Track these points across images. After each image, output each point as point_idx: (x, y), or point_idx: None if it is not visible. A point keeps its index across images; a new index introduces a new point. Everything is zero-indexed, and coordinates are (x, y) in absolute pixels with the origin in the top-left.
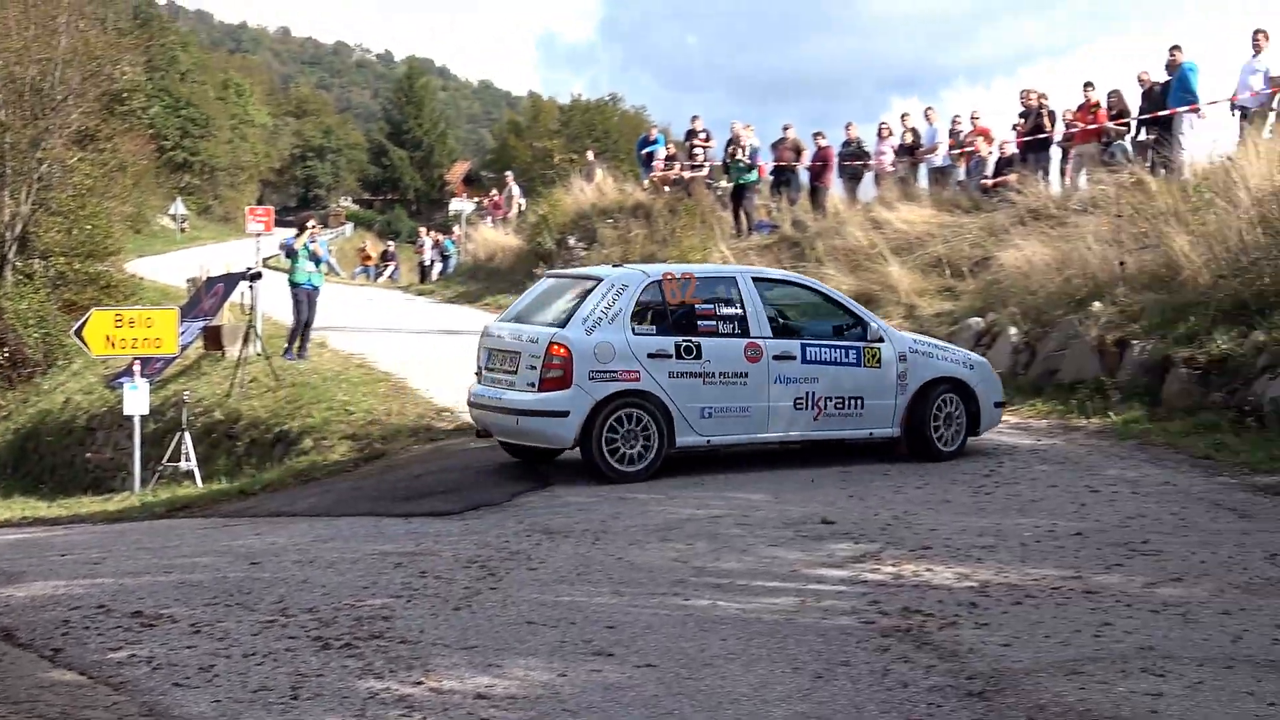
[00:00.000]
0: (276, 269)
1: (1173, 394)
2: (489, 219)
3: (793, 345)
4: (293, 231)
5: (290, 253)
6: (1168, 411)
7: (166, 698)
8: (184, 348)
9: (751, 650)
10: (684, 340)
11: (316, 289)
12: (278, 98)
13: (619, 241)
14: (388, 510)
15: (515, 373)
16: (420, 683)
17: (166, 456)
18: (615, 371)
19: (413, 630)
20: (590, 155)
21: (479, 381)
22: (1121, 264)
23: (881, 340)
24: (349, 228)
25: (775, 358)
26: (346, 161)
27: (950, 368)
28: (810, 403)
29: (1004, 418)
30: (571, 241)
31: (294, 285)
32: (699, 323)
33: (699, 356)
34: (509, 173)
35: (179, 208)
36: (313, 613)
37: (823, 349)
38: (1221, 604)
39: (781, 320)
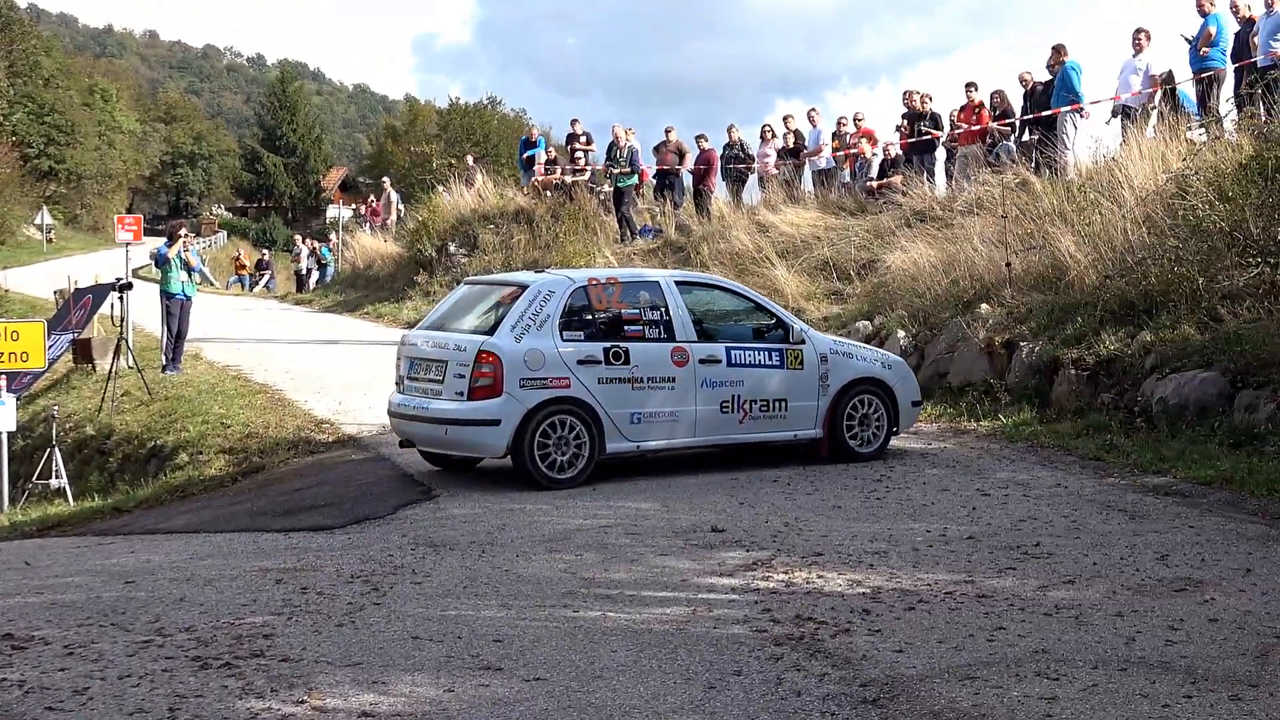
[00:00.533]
0: (148, 279)
1: (1062, 395)
2: (367, 226)
3: (718, 349)
4: (163, 240)
5: (162, 262)
6: (1057, 413)
7: None
8: (52, 362)
9: (643, 662)
10: (612, 346)
11: (189, 299)
12: (146, 103)
13: (501, 247)
14: (267, 525)
15: (442, 381)
16: (303, 701)
17: (36, 474)
18: (545, 379)
19: (295, 648)
20: (470, 159)
21: (400, 391)
22: (1008, 265)
23: (803, 342)
24: (222, 236)
25: (701, 361)
26: (219, 168)
27: (869, 368)
28: (736, 406)
29: None
30: (452, 248)
31: (167, 296)
32: (625, 328)
33: (627, 362)
34: (386, 178)
35: (45, 217)
36: (190, 632)
37: (747, 352)
38: (1114, 606)
39: (705, 324)
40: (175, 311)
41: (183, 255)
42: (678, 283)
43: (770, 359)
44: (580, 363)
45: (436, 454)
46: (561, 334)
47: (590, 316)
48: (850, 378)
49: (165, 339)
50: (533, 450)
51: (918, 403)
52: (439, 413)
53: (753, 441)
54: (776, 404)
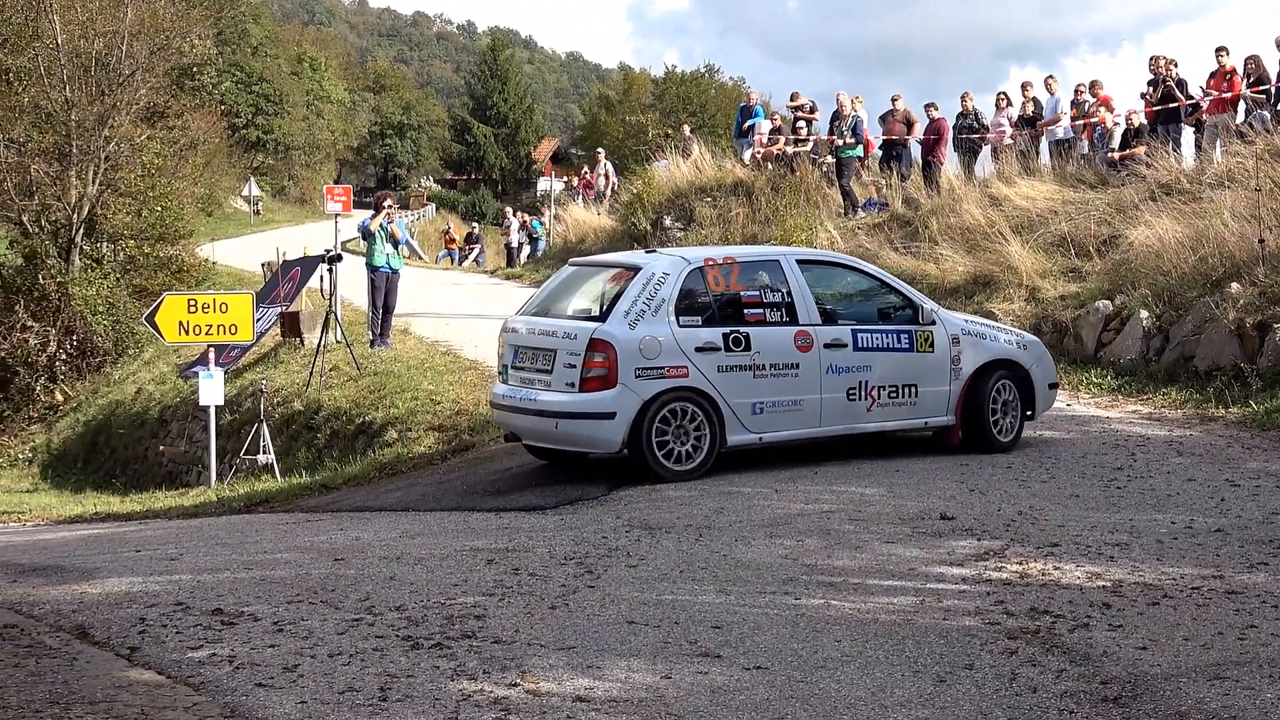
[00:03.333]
0: (356, 252)
1: None
2: (579, 199)
3: (843, 332)
4: (369, 213)
5: (366, 234)
6: None
7: (249, 698)
8: (260, 335)
9: (868, 652)
10: (732, 331)
11: (396, 272)
12: (354, 72)
13: (718, 221)
14: (478, 505)
15: (550, 371)
16: (516, 684)
17: (244, 449)
18: (662, 368)
19: (507, 630)
20: (686, 130)
21: (503, 381)
22: (1261, 241)
23: (934, 323)
24: (431, 209)
25: (826, 346)
26: (427, 139)
27: (1004, 349)
28: (864, 393)
29: (1136, 407)
30: (667, 222)
31: (372, 269)
32: (745, 311)
33: (748, 348)
34: (600, 150)
35: (253, 189)
36: (401, 611)
37: (874, 335)
38: None
39: (829, 305)
40: (380, 285)
41: (387, 227)
42: (799, 261)
43: (899, 341)
44: (698, 350)
45: (544, 448)
46: (678, 319)
47: (707, 300)
48: (984, 360)
49: (372, 313)
50: (651, 443)
51: (1054, 385)
52: (549, 405)
53: (880, 431)
54: (906, 389)
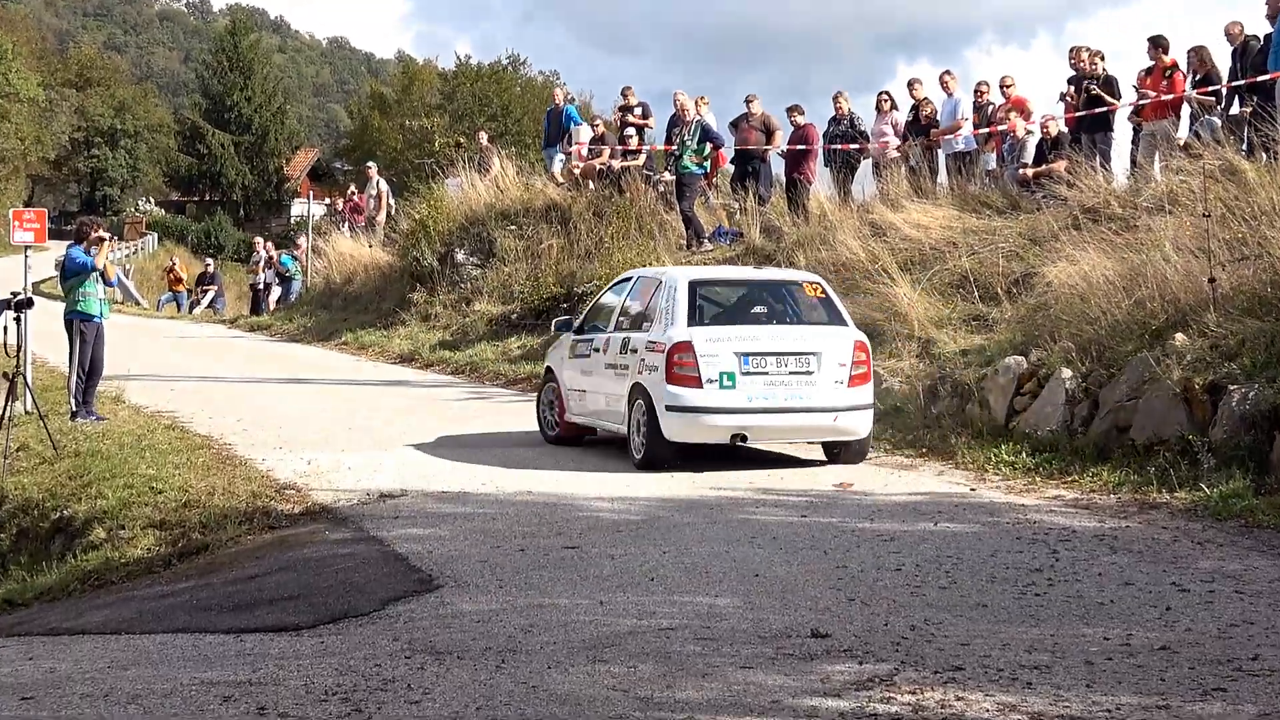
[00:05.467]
0: (51, 295)
1: None
2: (346, 227)
3: None
4: (70, 244)
5: (76, 271)
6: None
7: None
8: None
9: None
10: None
11: (103, 321)
12: (51, 63)
13: (525, 255)
14: (212, 624)
15: (810, 373)
16: None
17: None
18: None
19: None
20: (483, 138)
21: (719, 388)
22: (1211, 281)
23: None
24: (152, 240)
25: None
26: (147, 150)
27: None
28: None
29: (1059, 492)
30: (460, 256)
31: (81, 318)
32: None
33: None
34: (371, 164)
35: None
36: None
37: None
38: None
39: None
40: (90, 339)
41: (95, 264)
42: None
43: None
44: None
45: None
46: None
47: None
48: None
49: (76, 376)
50: None
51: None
52: (821, 403)
53: None
54: None
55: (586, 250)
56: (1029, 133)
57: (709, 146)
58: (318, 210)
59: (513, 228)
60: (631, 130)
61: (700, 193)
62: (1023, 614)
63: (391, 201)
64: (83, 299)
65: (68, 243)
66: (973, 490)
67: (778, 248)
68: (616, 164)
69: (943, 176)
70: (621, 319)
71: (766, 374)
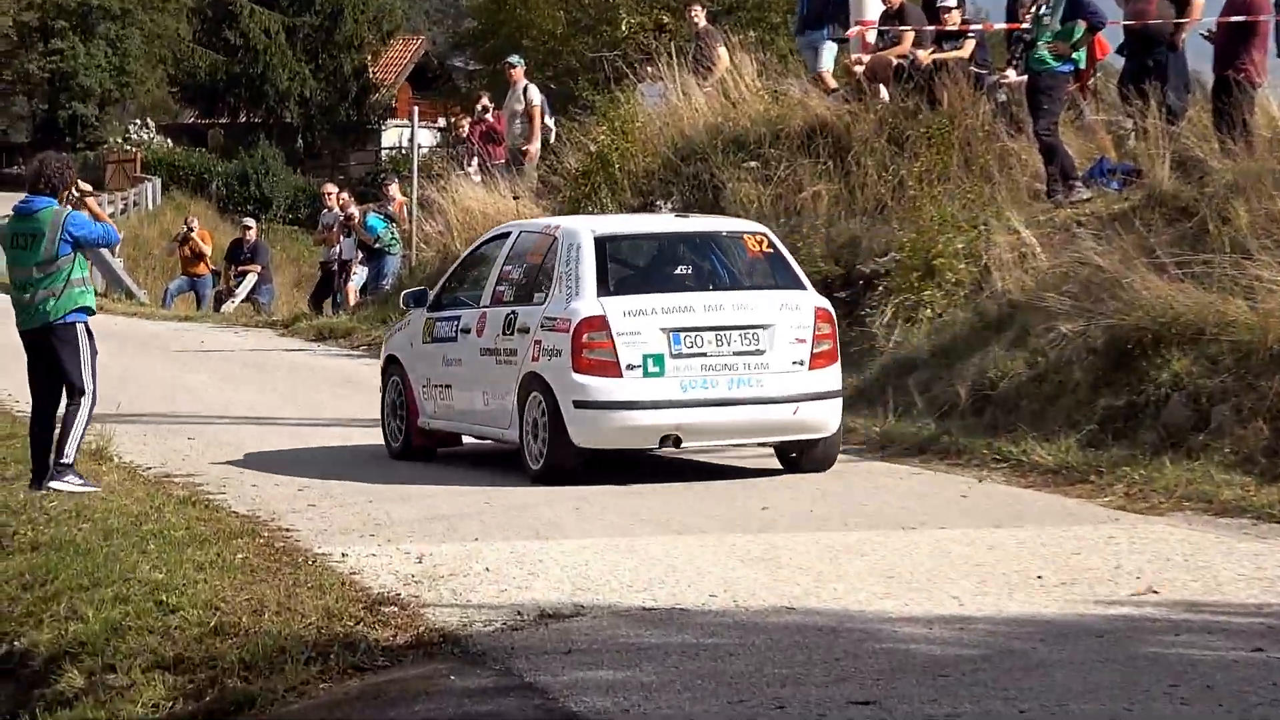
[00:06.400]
0: None
1: None
2: (474, 166)
3: None
4: (28, 196)
5: (24, 240)
6: None
7: None
8: None
9: None
10: None
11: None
12: None
13: (773, 209)
14: None
15: (761, 352)
16: None
17: None
18: None
19: None
20: (700, 16)
21: (644, 376)
22: None
23: None
24: (152, 190)
25: None
26: (144, 41)
27: None
28: None
29: None
30: (665, 208)
31: (84, 317)
32: None
33: None
34: (516, 61)
35: None
36: None
37: None
38: None
39: None
40: (81, 347)
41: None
42: None
43: None
44: None
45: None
46: None
47: None
48: None
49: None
50: None
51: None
52: (780, 390)
53: None
54: None
55: (877, 201)
56: None
57: (1080, 27)
58: (426, 139)
59: (752, 165)
60: (948, 5)
61: (1069, 104)
62: None
63: (549, 122)
64: (83, 289)
65: (18, 197)
66: None
67: (1200, 194)
68: (925, 56)
69: None
70: (501, 288)
71: (704, 355)
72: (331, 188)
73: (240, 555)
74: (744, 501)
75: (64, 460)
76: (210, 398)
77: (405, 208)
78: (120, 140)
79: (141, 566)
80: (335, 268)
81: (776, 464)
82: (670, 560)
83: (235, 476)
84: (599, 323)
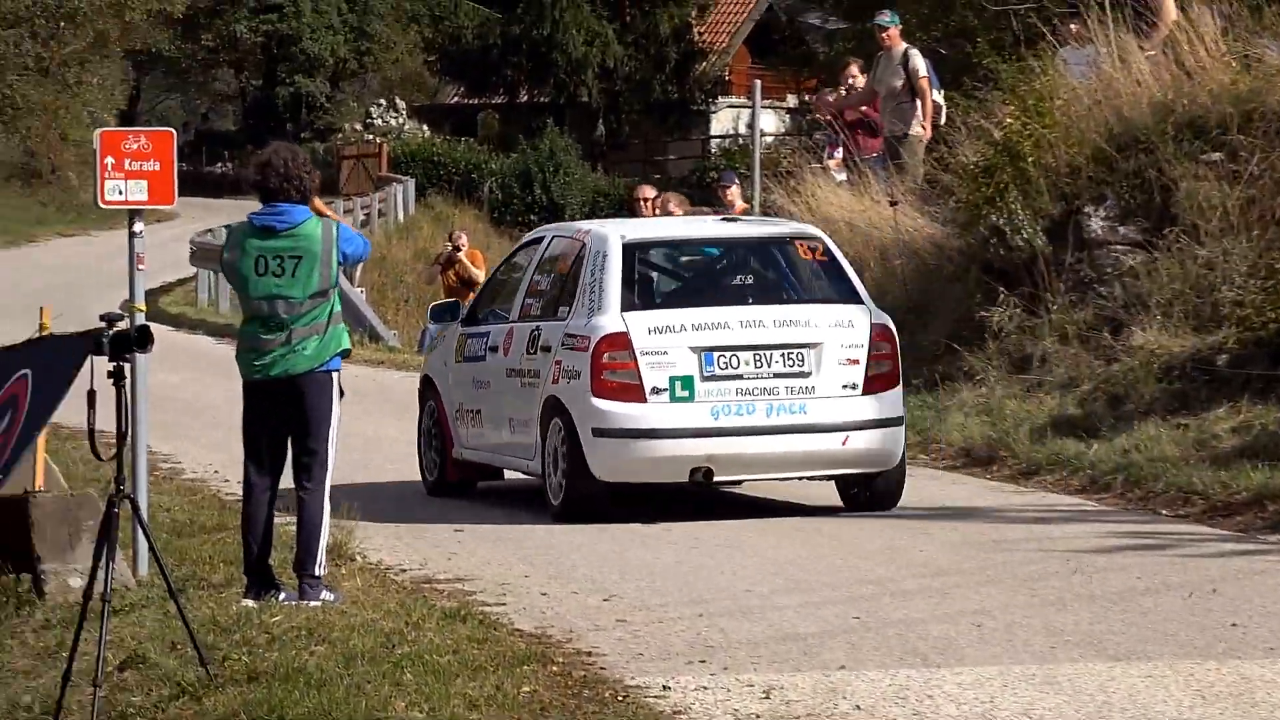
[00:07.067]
0: (183, 319)
1: None
2: (836, 159)
3: None
4: (242, 219)
5: (282, 263)
6: None
7: None
8: None
9: None
10: None
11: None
12: None
13: (1244, 218)
14: None
15: (806, 374)
16: None
17: None
18: None
19: None
20: None
21: (673, 401)
22: None
23: None
24: (403, 192)
25: None
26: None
27: None
28: None
29: None
30: (1095, 220)
31: (337, 364)
32: None
33: None
34: (889, 18)
35: None
36: None
37: None
38: None
39: None
40: (334, 404)
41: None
42: None
43: None
44: None
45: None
46: None
47: None
48: None
49: (263, 486)
50: None
51: None
52: (830, 418)
53: None
54: None
55: None
56: None
57: None
58: (770, 123)
59: (1214, 157)
60: None
61: None
62: None
63: (938, 98)
64: (344, 326)
65: (225, 203)
66: None
67: None
68: None
69: None
70: (529, 301)
71: (740, 377)
72: (649, 190)
73: (526, 688)
74: (1202, 614)
75: (315, 571)
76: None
77: (750, 206)
78: (359, 127)
79: (395, 703)
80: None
81: (1241, 567)
82: (1105, 696)
83: (518, 581)
84: (621, 340)
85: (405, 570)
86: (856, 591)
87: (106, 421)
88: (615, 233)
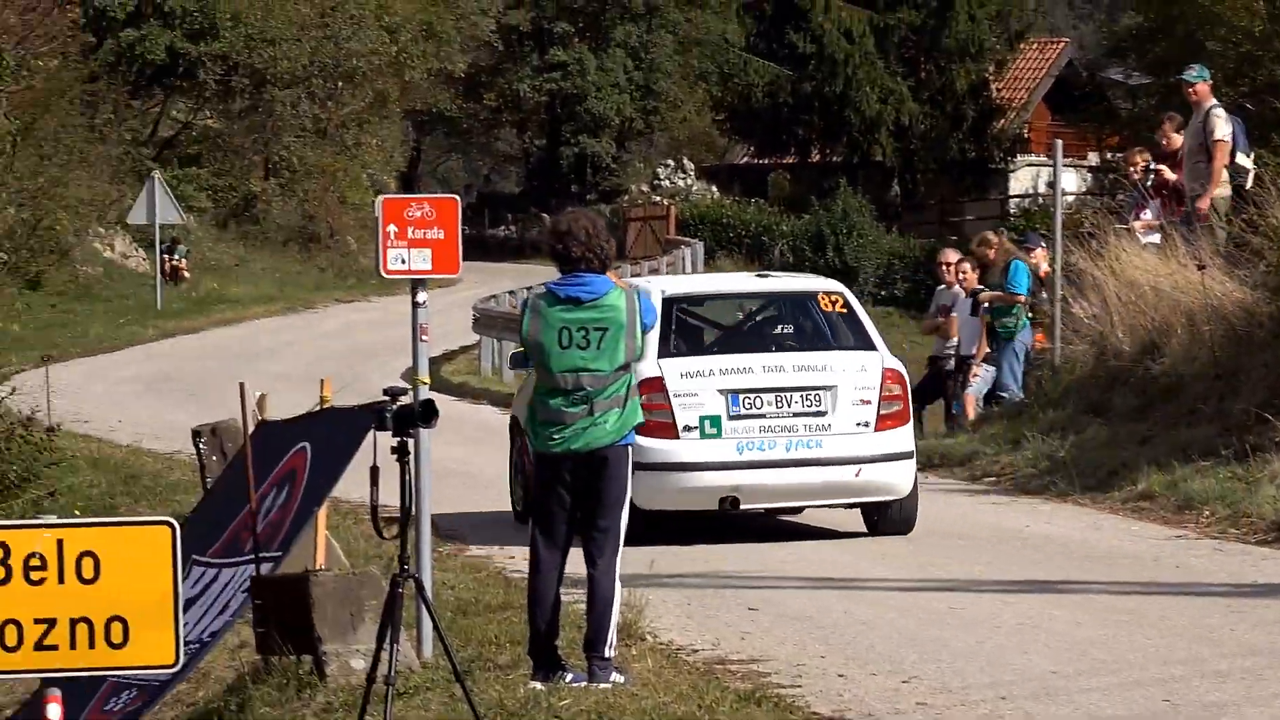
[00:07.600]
0: (469, 390)
1: None
2: (1140, 217)
3: None
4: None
5: (587, 335)
6: None
7: None
8: (199, 649)
9: None
10: None
11: None
12: None
13: None
14: None
15: (822, 413)
16: None
17: None
18: None
19: None
20: None
21: (702, 437)
22: None
23: None
24: (692, 254)
25: None
26: (680, 53)
27: None
28: None
29: None
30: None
31: (623, 441)
32: None
33: None
34: (1196, 72)
35: (160, 207)
36: None
37: None
38: None
39: None
40: (629, 480)
41: (648, 319)
42: None
43: None
44: None
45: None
46: None
47: None
48: None
49: (554, 563)
50: None
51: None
52: (843, 451)
53: None
54: None
55: None
56: None
57: None
58: (1070, 182)
59: None
60: None
61: None
62: None
63: (1244, 161)
64: (635, 400)
65: (510, 268)
66: None
67: None
68: None
69: None
70: None
71: (762, 416)
72: (951, 254)
73: None
74: None
75: (605, 653)
76: (775, 555)
77: (1048, 279)
78: (646, 188)
79: None
80: (950, 365)
81: None
82: None
83: (814, 662)
84: (656, 384)
85: (697, 650)
86: (1165, 673)
87: (388, 496)
88: (657, 288)
